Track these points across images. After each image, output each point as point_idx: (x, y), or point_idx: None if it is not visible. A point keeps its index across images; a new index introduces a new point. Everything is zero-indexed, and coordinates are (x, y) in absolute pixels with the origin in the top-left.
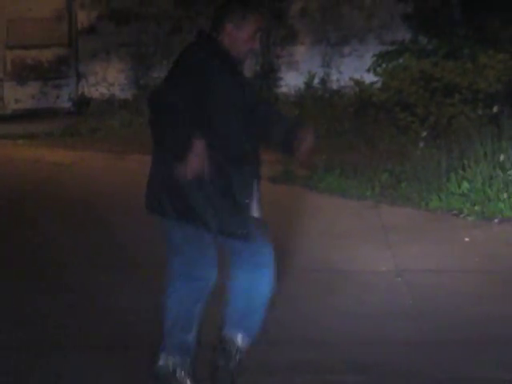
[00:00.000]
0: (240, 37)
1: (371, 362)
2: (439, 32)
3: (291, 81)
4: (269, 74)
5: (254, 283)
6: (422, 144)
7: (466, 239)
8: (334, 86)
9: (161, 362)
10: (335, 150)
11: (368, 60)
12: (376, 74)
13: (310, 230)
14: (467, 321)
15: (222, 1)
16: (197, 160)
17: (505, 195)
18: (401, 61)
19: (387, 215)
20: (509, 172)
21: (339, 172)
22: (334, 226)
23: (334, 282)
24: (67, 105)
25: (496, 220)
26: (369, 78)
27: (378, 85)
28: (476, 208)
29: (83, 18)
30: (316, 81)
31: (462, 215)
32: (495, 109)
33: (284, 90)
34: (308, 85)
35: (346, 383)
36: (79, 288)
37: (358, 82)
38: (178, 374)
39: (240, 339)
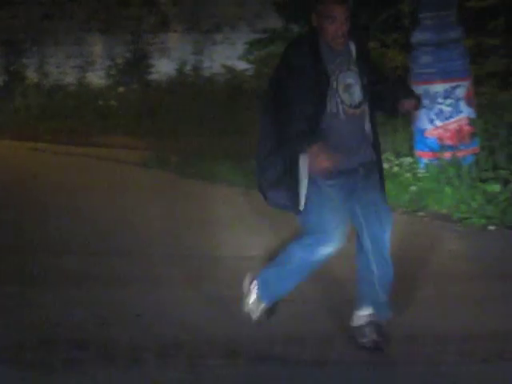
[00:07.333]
0: None
1: (239, 346)
2: (310, 20)
3: (163, 68)
4: (140, 61)
5: None
6: None
7: None
8: (206, 73)
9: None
10: (207, 136)
11: (240, 48)
12: (248, 61)
13: (181, 216)
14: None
15: None
16: None
17: None
18: (272, 48)
19: (257, 201)
20: None
21: (210, 158)
22: (205, 212)
23: (204, 267)
24: None
25: None
26: (242, 65)
27: (251, 72)
28: None
29: None
30: (188, 68)
31: None
32: None
33: (155, 77)
34: (180, 72)
35: (213, 367)
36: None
37: (229, 69)
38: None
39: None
